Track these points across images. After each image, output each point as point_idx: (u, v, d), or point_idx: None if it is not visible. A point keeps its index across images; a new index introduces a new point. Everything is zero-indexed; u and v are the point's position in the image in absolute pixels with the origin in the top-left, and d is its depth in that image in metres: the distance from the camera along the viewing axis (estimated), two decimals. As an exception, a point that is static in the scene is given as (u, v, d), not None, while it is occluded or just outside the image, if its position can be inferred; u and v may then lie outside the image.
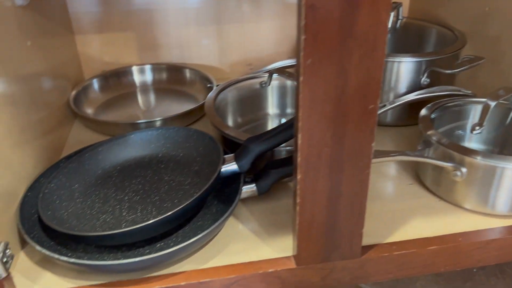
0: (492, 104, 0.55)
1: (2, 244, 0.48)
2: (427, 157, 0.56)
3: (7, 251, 0.49)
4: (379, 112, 0.69)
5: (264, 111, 0.80)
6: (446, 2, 0.84)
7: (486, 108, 0.56)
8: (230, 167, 0.55)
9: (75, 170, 0.60)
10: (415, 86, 0.73)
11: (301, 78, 0.38)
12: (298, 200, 0.44)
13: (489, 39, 0.74)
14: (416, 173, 0.63)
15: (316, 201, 0.44)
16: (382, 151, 0.55)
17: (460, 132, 0.64)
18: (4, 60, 0.55)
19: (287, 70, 0.75)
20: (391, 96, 0.75)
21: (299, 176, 0.42)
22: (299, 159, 0.42)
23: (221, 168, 0.55)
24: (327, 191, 0.44)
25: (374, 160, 0.54)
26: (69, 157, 0.63)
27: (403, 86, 0.74)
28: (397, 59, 0.72)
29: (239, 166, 0.55)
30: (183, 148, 0.65)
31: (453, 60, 0.74)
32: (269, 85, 0.77)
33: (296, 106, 0.41)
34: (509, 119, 0.61)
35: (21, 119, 0.57)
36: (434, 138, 0.56)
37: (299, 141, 0.41)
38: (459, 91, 0.70)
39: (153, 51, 0.95)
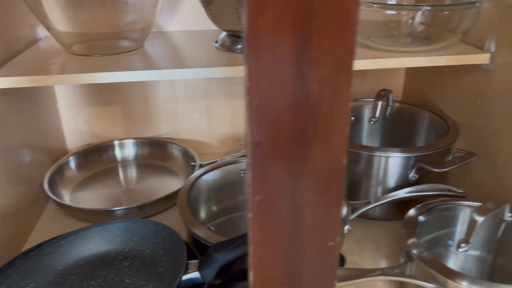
0: (480, 219, 0.51)
1: None
2: (408, 276, 0.51)
3: None
4: (365, 209, 0.65)
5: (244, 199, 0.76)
6: (439, 88, 0.82)
7: (472, 224, 0.51)
8: (193, 275, 0.51)
9: (32, 267, 0.57)
10: (403, 182, 0.69)
11: (250, 215, 0.34)
12: None
13: (482, 132, 0.70)
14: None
15: None
16: (360, 270, 0.50)
17: (449, 241, 0.60)
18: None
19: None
20: (379, 190, 0.71)
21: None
22: (251, 297, 0.37)
23: (182, 277, 0.51)
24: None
25: (349, 282, 0.49)
26: (28, 252, 0.60)
27: (391, 181, 0.70)
28: (384, 153, 0.68)
29: (202, 276, 0.51)
30: (151, 244, 0.61)
31: (444, 154, 0.70)
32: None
33: (248, 242, 0.37)
34: (500, 231, 0.56)
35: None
36: (415, 251, 0.51)
37: (251, 279, 0.37)
38: (450, 190, 0.66)
39: (141, 124, 0.94)
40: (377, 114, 0.75)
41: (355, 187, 0.73)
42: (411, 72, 0.93)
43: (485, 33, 0.67)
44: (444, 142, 0.69)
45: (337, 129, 0.34)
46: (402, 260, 0.54)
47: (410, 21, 0.65)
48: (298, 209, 0.35)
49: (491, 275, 0.60)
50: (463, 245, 0.51)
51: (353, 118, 0.85)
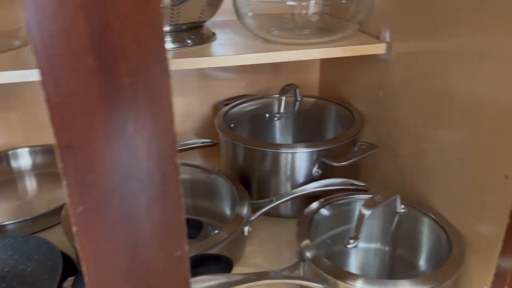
0: (367, 213, 0.49)
1: None
2: (298, 278, 0.48)
3: None
4: (268, 208, 0.62)
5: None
6: (348, 81, 0.81)
7: (360, 218, 0.49)
8: (67, 294, 0.47)
9: None
10: (308, 178, 0.67)
11: (74, 228, 0.30)
12: None
13: (385, 124, 0.70)
14: None
15: None
16: (239, 275, 0.47)
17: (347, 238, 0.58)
18: None
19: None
20: (288, 187, 0.69)
21: None
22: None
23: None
24: None
25: (228, 289, 0.46)
26: None
27: (297, 177, 0.68)
28: (286, 150, 0.66)
29: (75, 295, 0.46)
30: (32, 261, 0.56)
31: (349, 148, 0.69)
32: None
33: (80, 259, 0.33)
34: (394, 223, 0.55)
35: None
36: (305, 251, 0.49)
37: (89, 299, 0.32)
38: (352, 184, 0.64)
39: (44, 130, 0.86)
40: (282, 110, 0.73)
41: (263, 186, 0.71)
42: (324, 66, 0.92)
43: (381, 22, 0.66)
44: (347, 135, 0.68)
45: (162, 126, 0.30)
46: (295, 260, 0.52)
47: (303, 11, 0.63)
48: (132, 218, 0.31)
49: (392, 267, 0.59)
50: (351, 241, 0.49)
51: (267, 115, 0.82)
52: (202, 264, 0.48)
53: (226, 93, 0.89)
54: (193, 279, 0.46)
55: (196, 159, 0.84)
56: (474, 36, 0.48)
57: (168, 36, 0.65)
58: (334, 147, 0.67)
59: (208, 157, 0.86)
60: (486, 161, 0.49)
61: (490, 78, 0.47)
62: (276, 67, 0.91)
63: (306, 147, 0.66)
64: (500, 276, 0.45)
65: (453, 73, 0.53)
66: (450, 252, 0.49)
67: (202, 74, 0.89)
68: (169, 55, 0.62)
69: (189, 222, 0.62)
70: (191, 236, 0.60)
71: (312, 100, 0.82)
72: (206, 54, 0.62)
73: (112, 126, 0.29)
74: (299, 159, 0.66)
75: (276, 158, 0.67)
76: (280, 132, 0.83)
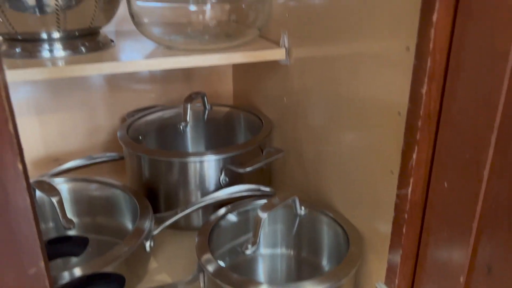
0: (263, 216, 0.48)
1: None
2: (194, 289, 0.46)
3: None
4: (172, 220, 0.60)
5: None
6: (257, 88, 0.81)
7: (257, 222, 0.48)
8: None
9: None
10: (216, 186, 0.66)
11: None
12: None
13: (290, 129, 0.70)
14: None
15: None
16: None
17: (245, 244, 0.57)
18: None
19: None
20: (197, 196, 0.67)
21: None
22: None
23: None
24: None
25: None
26: None
27: (204, 186, 0.66)
28: (188, 158, 0.64)
29: None
30: None
31: (256, 154, 0.68)
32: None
33: None
34: (296, 226, 0.55)
35: None
36: (203, 262, 0.47)
37: None
38: (259, 190, 0.64)
39: None
40: (188, 119, 0.71)
41: (171, 198, 0.68)
42: (236, 75, 0.91)
43: (280, 28, 0.67)
44: (253, 142, 0.68)
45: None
46: (195, 272, 0.49)
47: (201, 17, 0.62)
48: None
49: (299, 270, 0.59)
50: (249, 246, 0.48)
51: (183, 123, 0.80)
52: (89, 284, 0.44)
53: (135, 104, 0.86)
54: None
55: (104, 175, 0.80)
56: (360, 41, 0.50)
57: (58, 43, 0.61)
58: (241, 153, 0.66)
59: (117, 172, 0.82)
60: (375, 159, 0.50)
61: (375, 80, 0.48)
62: (188, 77, 0.90)
63: (211, 154, 0.64)
64: (391, 270, 0.46)
65: (344, 76, 0.54)
66: (348, 250, 0.50)
67: (110, 85, 0.85)
68: (60, 62, 0.59)
69: (72, 239, 0.58)
70: (73, 254, 0.55)
71: (222, 108, 0.81)
72: (101, 60, 0.59)
73: None
74: (206, 167, 0.65)
75: (181, 168, 0.65)
76: (191, 141, 0.81)
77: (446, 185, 0.39)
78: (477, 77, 0.35)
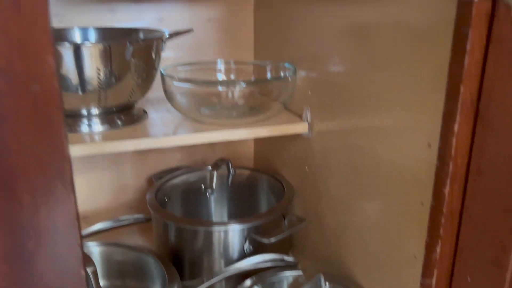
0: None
1: None
2: None
3: None
4: (199, 288, 0.62)
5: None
6: (280, 154, 0.84)
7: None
8: None
9: None
10: (240, 254, 0.68)
11: None
12: None
13: (312, 198, 0.73)
14: None
15: None
16: None
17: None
18: None
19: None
20: (221, 264, 0.69)
21: None
22: None
23: None
24: None
25: None
26: None
27: (230, 254, 0.68)
28: (214, 227, 0.67)
29: None
30: None
31: (280, 221, 0.71)
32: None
33: None
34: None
35: None
36: None
37: None
38: (282, 260, 0.66)
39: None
40: (214, 185, 0.74)
41: (195, 265, 0.70)
42: (258, 139, 0.95)
43: (303, 104, 0.71)
44: (276, 210, 0.70)
45: (65, 240, 0.30)
46: None
47: (230, 95, 0.66)
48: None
49: None
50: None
51: (203, 186, 0.83)
52: None
53: (161, 165, 0.90)
54: None
55: (130, 236, 0.82)
56: (378, 115, 0.53)
57: (97, 119, 0.65)
58: (265, 222, 0.68)
59: (144, 232, 0.84)
60: (397, 240, 0.52)
61: (395, 150, 0.51)
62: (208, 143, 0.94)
63: (236, 223, 0.67)
64: None
65: (364, 147, 0.57)
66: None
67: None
68: (98, 137, 0.63)
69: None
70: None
71: (245, 172, 0.84)
72: (135, 136, 0.63)
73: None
74: (230, 236, 0.67)
75: (206, 236, 0.67)
76: (215, 204, 0.84)
77: (469, 279, 0.41)
78: (498, 182, 0.37)
